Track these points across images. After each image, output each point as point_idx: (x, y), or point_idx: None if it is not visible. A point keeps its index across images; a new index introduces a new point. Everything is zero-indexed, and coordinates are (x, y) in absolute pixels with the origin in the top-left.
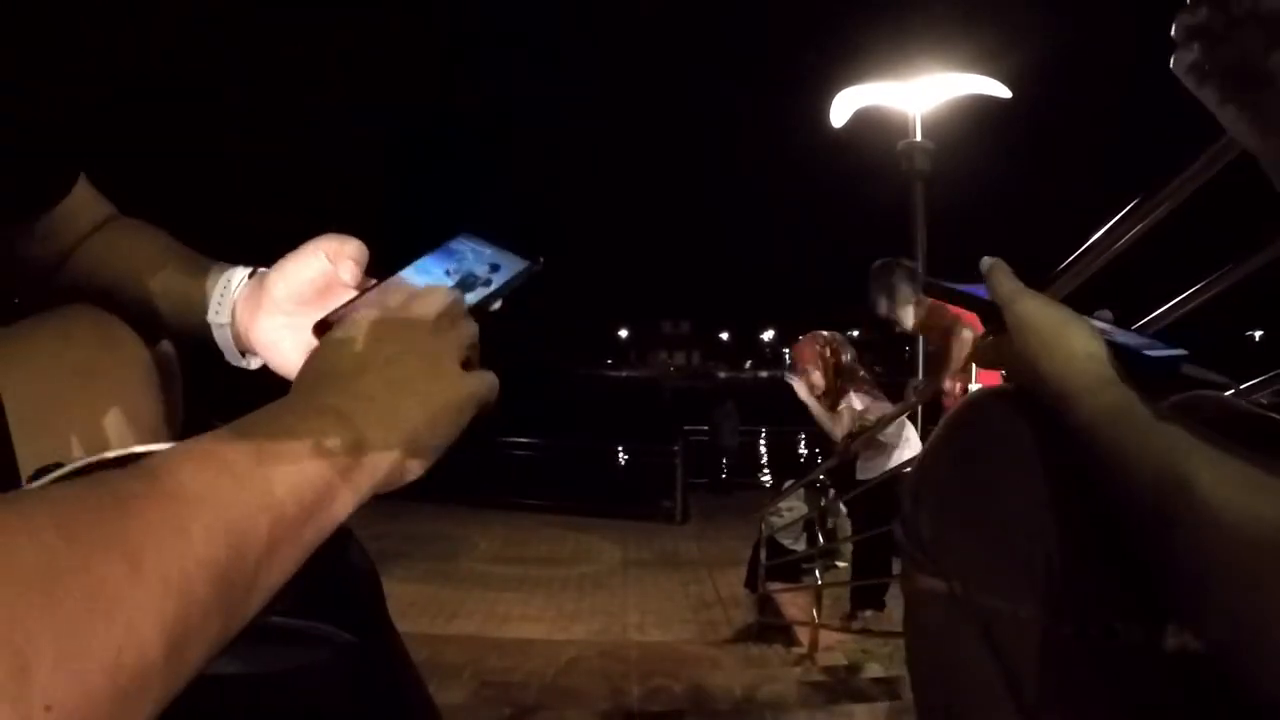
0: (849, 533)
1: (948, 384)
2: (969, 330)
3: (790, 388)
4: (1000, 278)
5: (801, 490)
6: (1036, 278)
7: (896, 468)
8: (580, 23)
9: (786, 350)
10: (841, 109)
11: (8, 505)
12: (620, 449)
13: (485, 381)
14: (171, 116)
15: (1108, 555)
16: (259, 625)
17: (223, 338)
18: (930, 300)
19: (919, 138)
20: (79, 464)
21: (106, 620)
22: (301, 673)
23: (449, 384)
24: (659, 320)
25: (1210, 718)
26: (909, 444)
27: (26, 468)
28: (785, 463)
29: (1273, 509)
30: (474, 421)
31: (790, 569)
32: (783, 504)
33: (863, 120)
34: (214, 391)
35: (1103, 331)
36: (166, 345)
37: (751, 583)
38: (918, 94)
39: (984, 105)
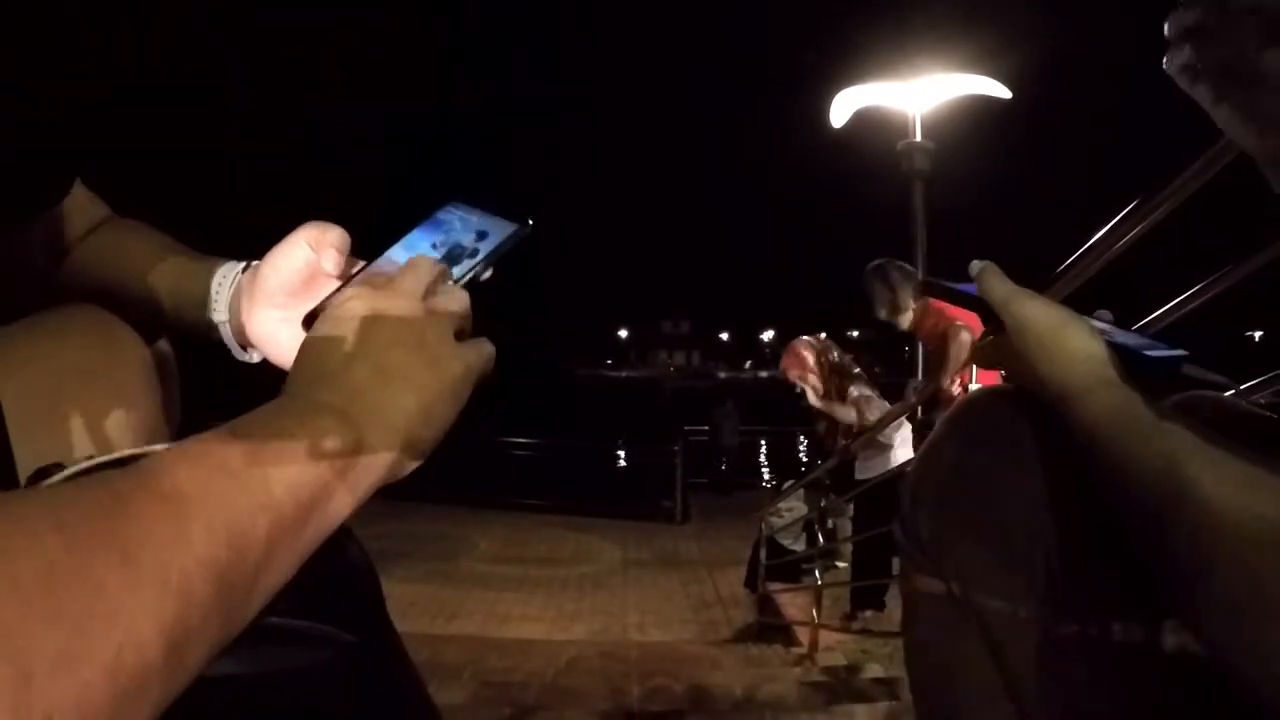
0: (849, 533)
1: (947, 384)
2: (967, 331)
3: (792, 393)
4: (992, 281)
5: (801, 490)
6: (1037, 278)
7: (896, 468)
8: (580, 22)
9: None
10: (841, 109)
11: (5, 508)
12: (620, 449)
13: (480, 352)
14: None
15: (1108, 555)
16: (258, 625)
17: (223, 333)
18: (928, 301)
19: (919, 138)
20: (79, 467)
21: (106, 624)
22: (301, 673)
23: (442, 366)
24: (659, 320)
25: (1210, 718)
26: (908, 444)
27: (25, 468)
28: (785, 463)
29: (1274, 508)
30: (475, 410)
31: (790, 569)
32: (783, 504)
33: (863, 120)
34: (212, 390)
35: (1102, 332)
36: (164, 344)
37: (751, 583)
38: (918, 94)
39: (984, 105)
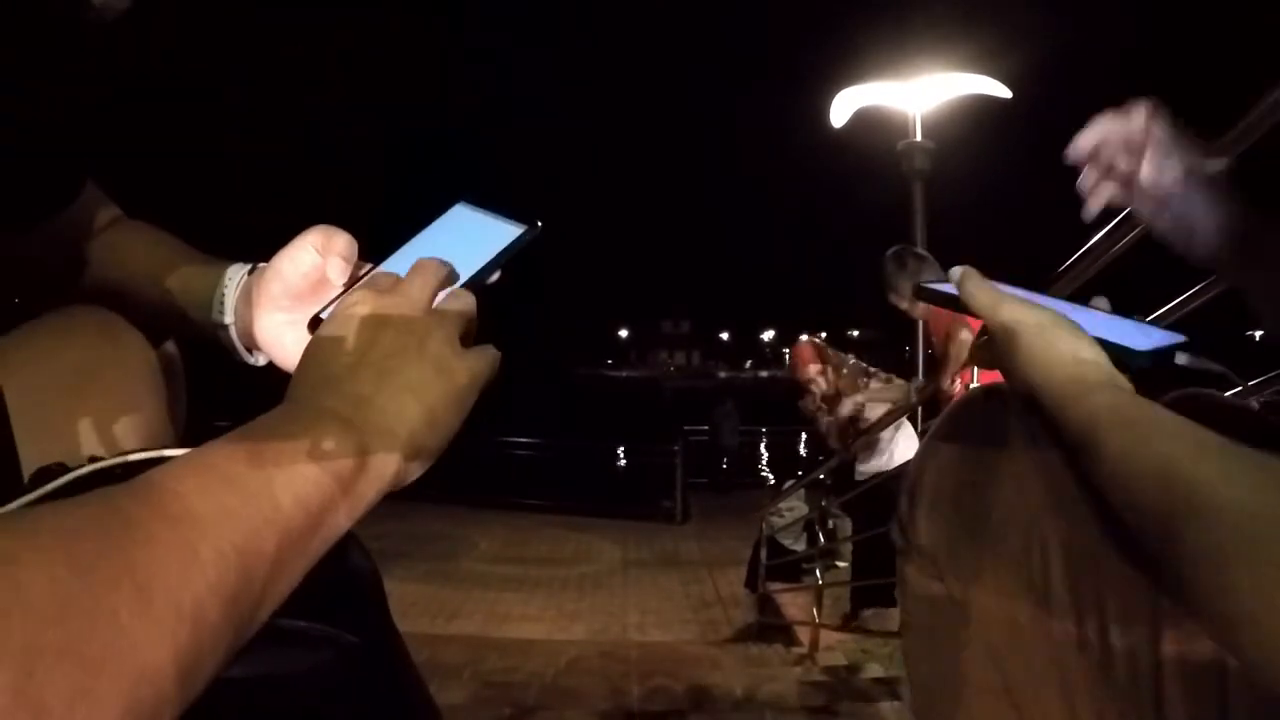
0: (849, 533)
1: (947, 384)
2: (967, 330)
3: (799, 392)
4: (974, 288)
5: (801, 490)
6: (1037, 278)
7: (897, 468)
8: (580, 22)
9: (786, 351)
10: (841, 109)
11: (18, 538)
12: (620, 449)
13: (485, 358)
14: (171, 116)
15: (1107, 555)
16: (260, 627)
17: (227, 336)
18: None
19: (919, 138)
20: (83, 471)
21: (122, 658)
22: (303, 674)
23: (448, 372)
24: (659, 320)
25: (1209, 718)
26: (908, 444)
27: (29, 467)
28: (785, 463)
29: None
30: (477, 412)
31: (790, 569)
32: (783, 504)
33: (863, 120)
34: (217, 391)
35: (1096, 322)
36: (170, 345)
37: (751, 583)
38: (918, 94)
39: (984, 105)
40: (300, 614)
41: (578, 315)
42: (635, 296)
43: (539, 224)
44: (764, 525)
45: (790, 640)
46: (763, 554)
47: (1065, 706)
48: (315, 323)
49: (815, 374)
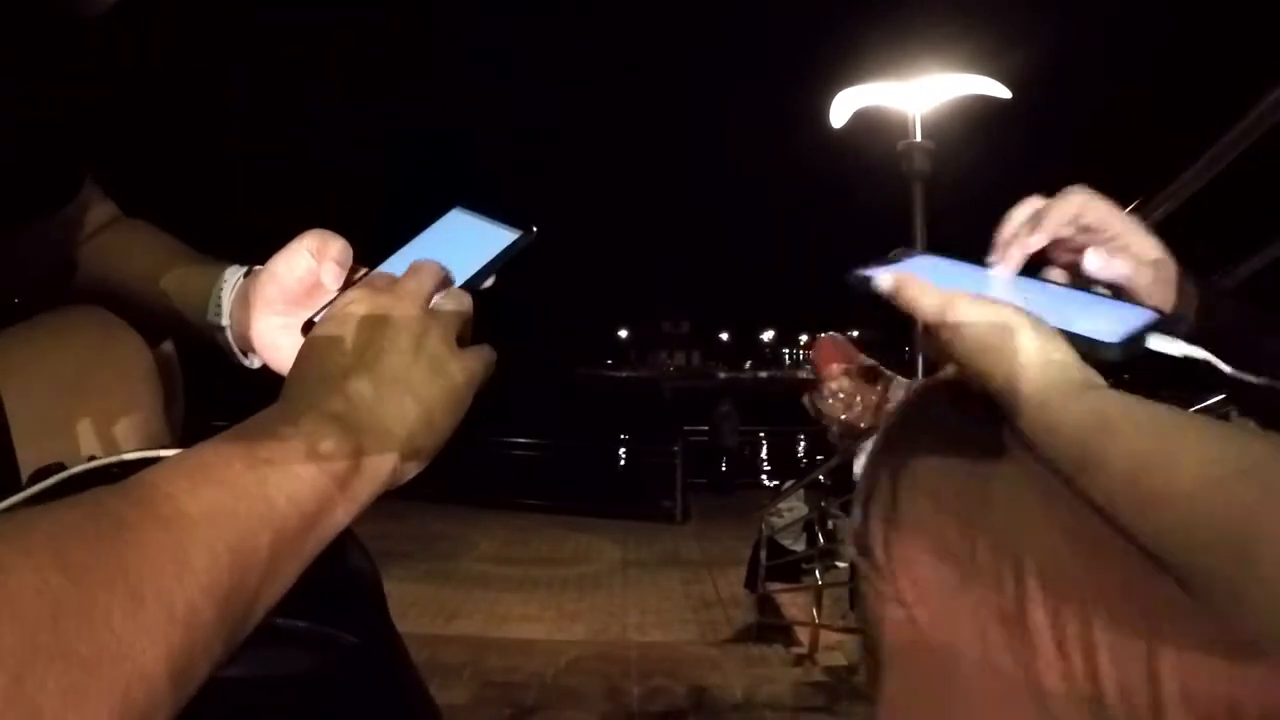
0: (849, 533)
1: None
2: None
3: (813, 389)
4: (913, 295)
5: (801, 490)
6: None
7: None
8: (580, 22)
9: (786, 350)
10: (841, 109)
11: (9, 541)
12: (620, 449)
13: (481, 359)
14: (171, 116)
15: (1095, 578)
16: (260, 627)
17: (223, 339)
18: None
19: (919, 138)
20: (80, 469)
21: (114, 661)
22: (303, 674)
23: (444, 373)
24: (659, 320)
25: (1205, 714)
26: None
27: (27, 468)
28: (785, 463)
29: (1249, 453)
30: (474, 412)
31: (790, 569)
32: (783, 504)
33: (863, 120)
34: (215, 391)
35: (1057, 305)
36: (168, 346)
37: (751, 583)
38: (918, 94)
39: (984, 105)
40: (300, 615)
41: (578, 315)
42: (635, 296)
43: (534, 229)
44: (764, 525)
45: (790, 641)
46: (762, 554)
47: None
48: (309, 327)
49: (839, 373)
